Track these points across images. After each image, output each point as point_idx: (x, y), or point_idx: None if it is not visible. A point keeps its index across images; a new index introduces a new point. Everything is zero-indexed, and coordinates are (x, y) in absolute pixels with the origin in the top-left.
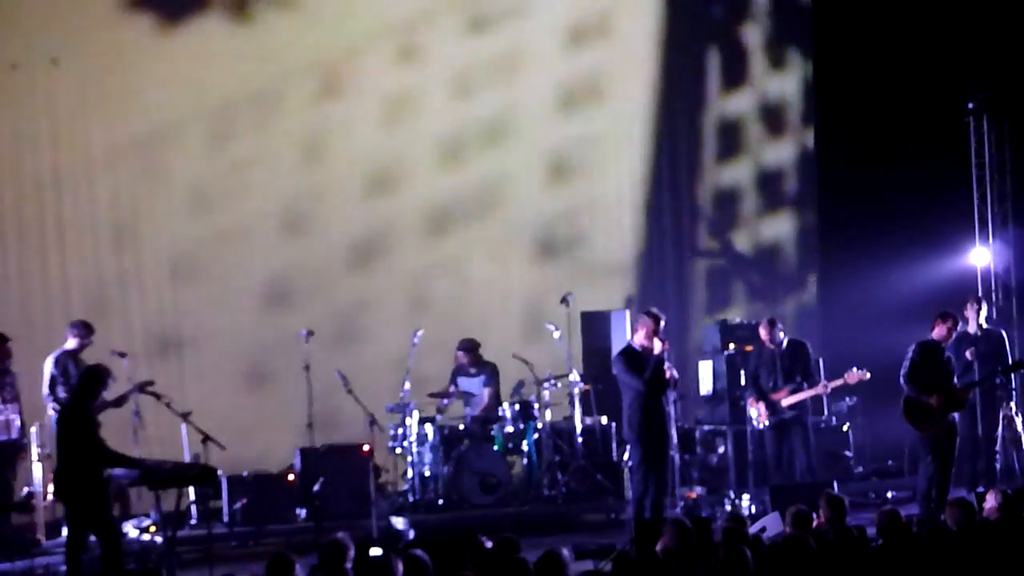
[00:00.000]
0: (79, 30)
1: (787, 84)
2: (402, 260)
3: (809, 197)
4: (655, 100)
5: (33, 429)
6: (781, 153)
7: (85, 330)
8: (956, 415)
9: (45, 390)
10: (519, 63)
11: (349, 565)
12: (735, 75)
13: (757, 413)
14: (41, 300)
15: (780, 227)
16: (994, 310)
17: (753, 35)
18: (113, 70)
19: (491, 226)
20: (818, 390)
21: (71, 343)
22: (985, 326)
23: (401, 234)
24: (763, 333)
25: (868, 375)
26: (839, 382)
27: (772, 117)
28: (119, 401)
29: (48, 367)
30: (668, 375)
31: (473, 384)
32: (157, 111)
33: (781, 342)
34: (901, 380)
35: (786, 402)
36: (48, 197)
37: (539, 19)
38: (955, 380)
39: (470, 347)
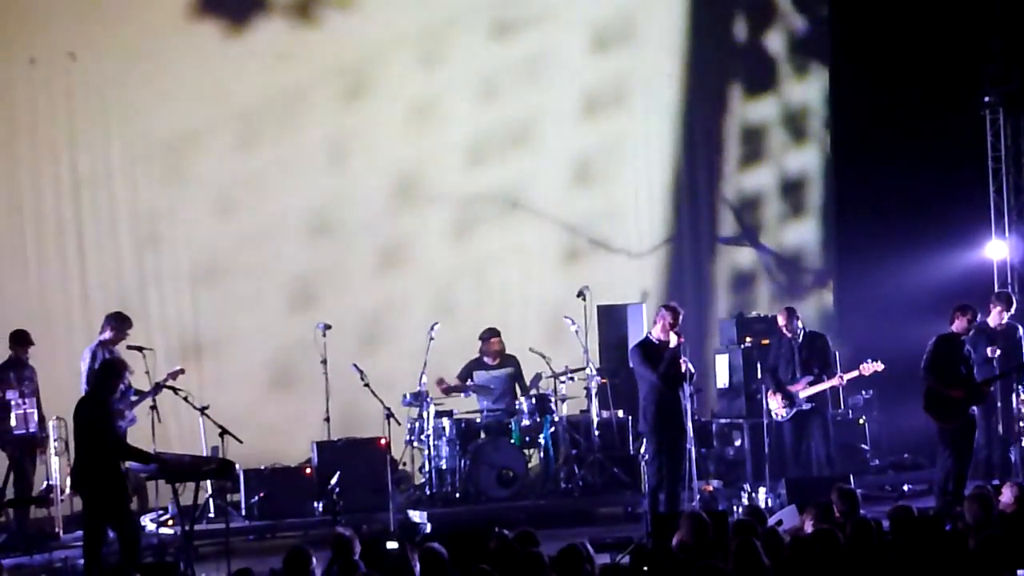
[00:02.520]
0: (96, 24)
1: (809, 91)
2: (426, 263)
3: (829, 198)
4: (678, 105)
5: (51, 423)
6: (803, 158)
7: (120, 322)
8: (976, 408)
9: (84, 385)
10: (543, 68)
11: (356, 557)
12: (758, 82)
13: (776, 405)
14: (62, 302)
15: (800, 229)
16: None
17: (776, 42)
18: (133, 66)
19: (515, 229)
20: (834, 382)
21: (106, 334)
22: (1005, 321)
23: (425, 237)
24: (781, 320)
25: (882, 367)
26: (854, 374)
27: (794, 123)
28: (156, 390)
29: (85, 360)
30: (684, 368)
31: (491, 378)
32: (179, 112)
33: (799, 333)
34: (923, 373)
35: (804, 394)
36: (67, 196)
37: (563, 24)
38: (975, 373)
39: (496, 333)
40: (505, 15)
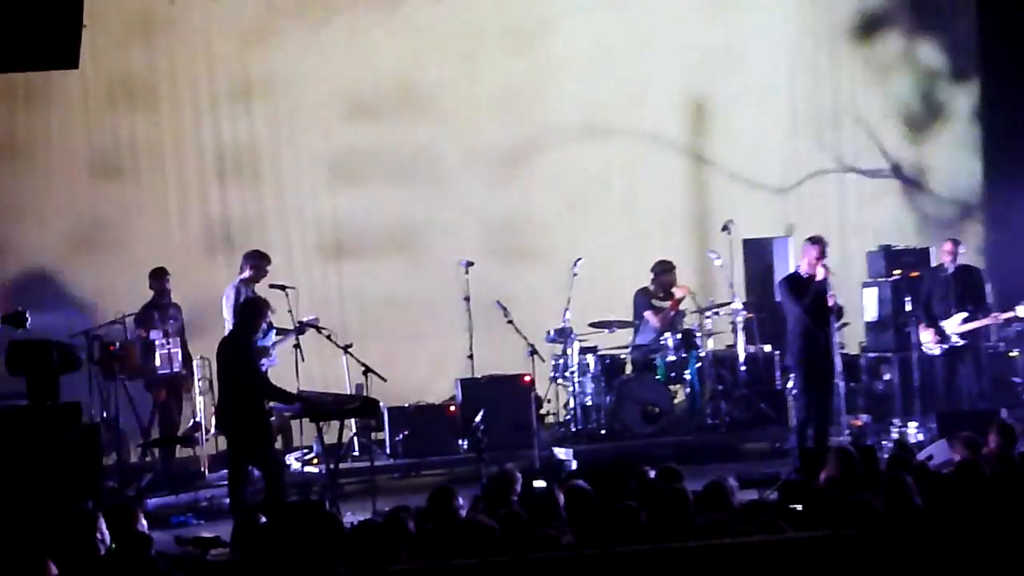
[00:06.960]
0: None
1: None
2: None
3: (980, 132)
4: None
5: (196, 362)
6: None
7: (259, 259)
8: None
9: (228, 323)
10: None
11: (515, 498)
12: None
13: (928, 339)
14: (204, 241)
15: (948, 161)
16: None
17: None
18: (273, 6)
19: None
20: (989, 321)
21: (246, 272)
22: None
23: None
24: (947, 247)
25: None
26: (1010, 314)
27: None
28: (299, 329)
29: (228, 299)
30: (831, 303)
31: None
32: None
33: (949, 266)
34: None
35: (959, 329)
36: (208, 135)
37: None
38: None
39: (672, 267)
40: None
